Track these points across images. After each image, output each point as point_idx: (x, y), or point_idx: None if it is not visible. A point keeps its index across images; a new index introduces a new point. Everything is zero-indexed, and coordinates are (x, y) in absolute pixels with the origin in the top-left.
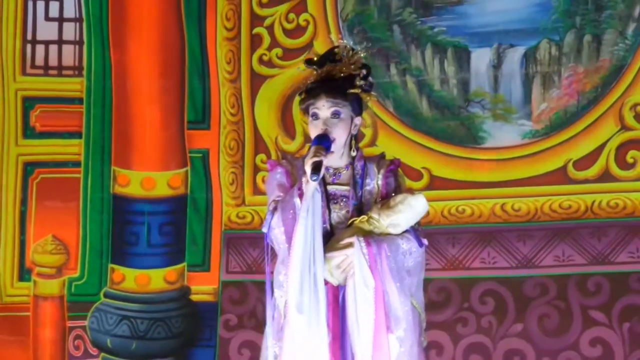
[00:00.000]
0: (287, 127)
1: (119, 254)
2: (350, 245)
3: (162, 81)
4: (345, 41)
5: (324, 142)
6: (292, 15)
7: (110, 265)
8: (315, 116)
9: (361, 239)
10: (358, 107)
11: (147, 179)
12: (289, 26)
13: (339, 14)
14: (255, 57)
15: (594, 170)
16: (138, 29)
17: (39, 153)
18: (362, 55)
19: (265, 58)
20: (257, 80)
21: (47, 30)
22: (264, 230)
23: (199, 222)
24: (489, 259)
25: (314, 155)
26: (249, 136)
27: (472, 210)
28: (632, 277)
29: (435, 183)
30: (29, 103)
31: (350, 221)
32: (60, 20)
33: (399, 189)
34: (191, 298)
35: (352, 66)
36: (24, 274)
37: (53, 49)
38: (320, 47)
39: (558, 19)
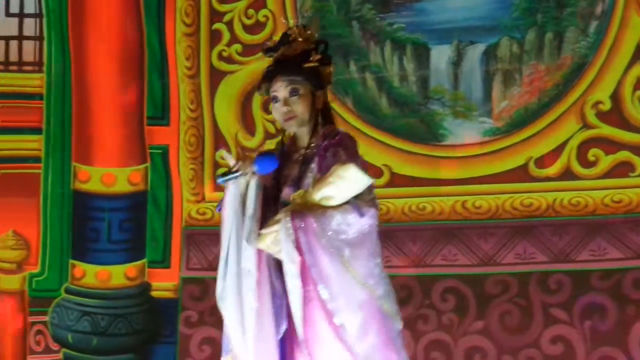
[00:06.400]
0: (247, 123)
1: (80, 249)
2: (278, 221)
3: (121, 77)
4: (296, 21)
5: (265, 161)
6: (251, 11)
7: (71, 261)
8: (275, 99)
9: (288, 213)
10: (318, 80)
11: (107, 175)
12: (248, 22)
13: (298, 10)
14: (214, 53)
15: (555, 168)
16: (97, 25)
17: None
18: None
19: (224, 54)
20: (216, 76)
21: (7, 26)
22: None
23: (159, 218)
24: (450, 256)
25: (238, 167)
26: (209, 132)
27: (433, 208)
28: (594, 275)
29: (396, 180)
30: None
31: (292, 197)
32: (21, 16)
33: (338, 162)
34: (152, 294)
35: (306, 42)
36: None
37: (13, 44)
38: None
39: (519, 17)
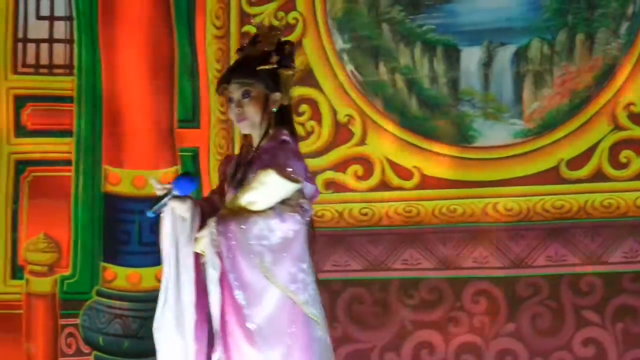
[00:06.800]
0: None
1: (111, 252)
2: (208, 225)
3: (152, 79)
4: (263, 22)
5: (183, 183)
6: (281, 14)
7: (102, 264)
8: (230, 100)
9: (214, 218)
10: (273, 83)
11: (138, 178)
12: (278, 24)
13: (328, 12)
14: None
15: (586, 170)
16: (128, 28)
17: (31, 151)
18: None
19: None
20: None
21: (38, 29)
22: None
23: None
24: (481, 258)
25: (161, 193)
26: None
27: (464, 210)
28: (626, 277)
29: (426, 182)
30: (20, 101)
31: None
32: (51, 18)
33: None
34: None
35: (268, 44)
36: (16, 272)
37: (44, 47)
38: (308, 46)
39: (549, 18)
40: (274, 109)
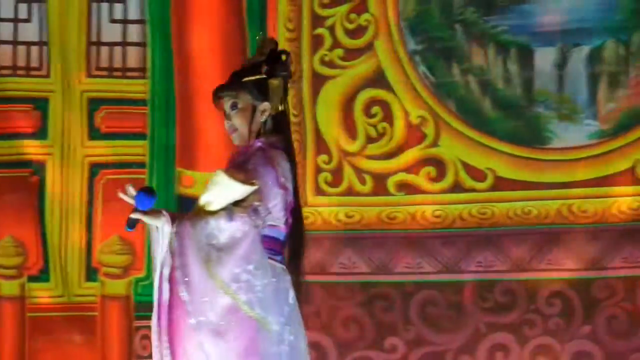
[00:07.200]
0: (349, 127)
1: None
2: None
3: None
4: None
5: (142, 198)
6: (353, 16)
7: None
8: (224, 112)
9: (176, 220)
10: (260, 93)
11: None
12: (350, 26)
13: (400, 14)
14: (316, 57)
15: None
16: (200, 30)
17: (104, 154)
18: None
19: (326, 59)
20: (318, 81)
21: (111, 32)
22: None
23: None
24: (555, 260)
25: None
26: (311, 137)
27: (538, 211)
28: None
29: (500, 184)
30: (94, 104)
31: None
32: (124, 22)
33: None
34: None
35: (260, 55)
36: (91, 274)
37: (117, 50)
38: (380, 47)
39: (624, 18)
40: (262, 119)
